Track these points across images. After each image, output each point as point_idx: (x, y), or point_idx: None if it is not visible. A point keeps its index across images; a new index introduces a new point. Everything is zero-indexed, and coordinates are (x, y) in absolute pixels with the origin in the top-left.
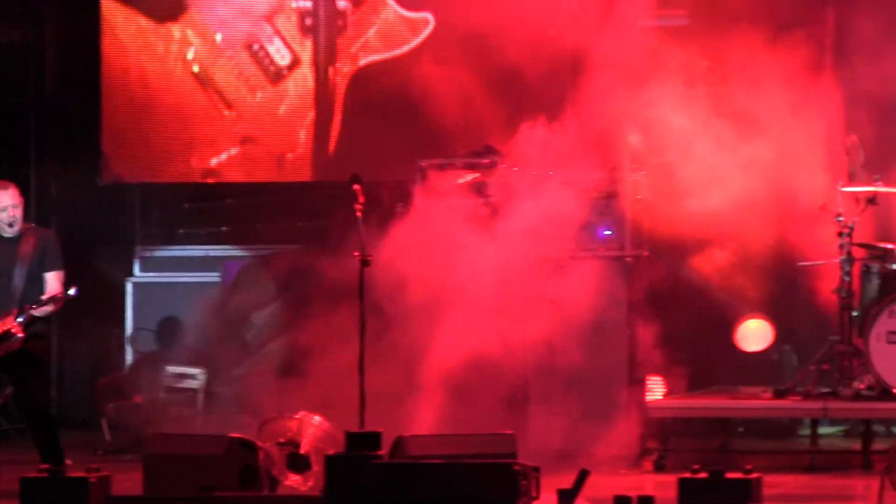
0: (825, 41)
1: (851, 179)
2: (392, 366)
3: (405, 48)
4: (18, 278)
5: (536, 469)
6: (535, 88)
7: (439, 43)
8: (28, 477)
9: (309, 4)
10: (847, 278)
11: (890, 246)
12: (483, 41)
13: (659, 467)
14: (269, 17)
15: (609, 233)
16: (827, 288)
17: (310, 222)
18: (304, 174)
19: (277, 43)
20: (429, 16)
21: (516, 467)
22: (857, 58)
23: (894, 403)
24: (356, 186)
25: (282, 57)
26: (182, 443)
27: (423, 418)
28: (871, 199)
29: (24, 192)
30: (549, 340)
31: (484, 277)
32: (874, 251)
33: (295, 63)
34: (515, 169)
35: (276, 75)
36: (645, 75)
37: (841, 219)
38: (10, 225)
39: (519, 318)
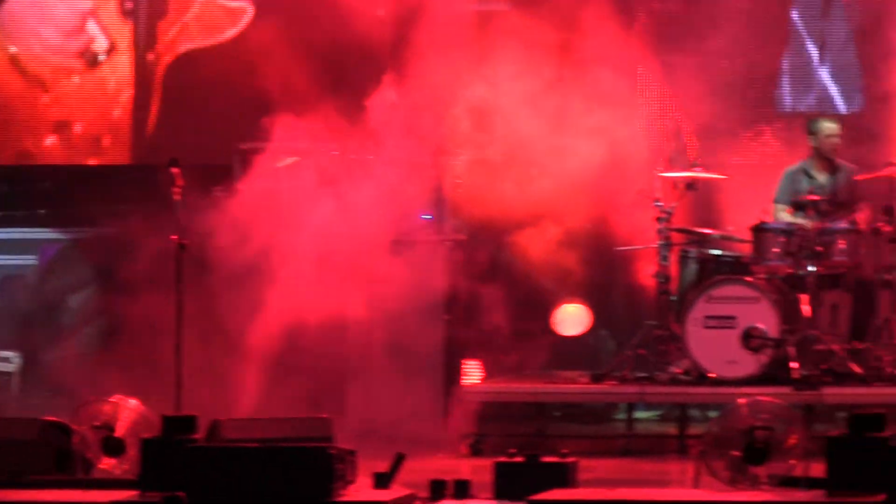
0: (646, 27)
1: (670, 164)
2: (214, 348)
3: (223, 36)
4: None
5: (353, 453)
6: (356, 71)
7: (260, 27)
8: None
9: None
10: (665, 263)
11: (708, 231)
12: (304, 25)
13: (475, 451)
14: (88, 3)
15: (428, 216)
16: (645, 273)
17: (127, 205)
18: (122, 157)
19: (95, 28)
20: (247, 5)
21: (332, 451)
22: (678, 43)
23: (710, 388)
24: (174, 170)
25: (99, 42)
26: None
27: (244, 401)
28: (690, 185)
29: None
30: (368, 325)
31: (305, 260)
32: (692, 236)
33: (112, 48)
34: (335, 153)
35: (93, 60)
36: (468, 58)
37: (659, 204)
38: None
39: (339, 302)
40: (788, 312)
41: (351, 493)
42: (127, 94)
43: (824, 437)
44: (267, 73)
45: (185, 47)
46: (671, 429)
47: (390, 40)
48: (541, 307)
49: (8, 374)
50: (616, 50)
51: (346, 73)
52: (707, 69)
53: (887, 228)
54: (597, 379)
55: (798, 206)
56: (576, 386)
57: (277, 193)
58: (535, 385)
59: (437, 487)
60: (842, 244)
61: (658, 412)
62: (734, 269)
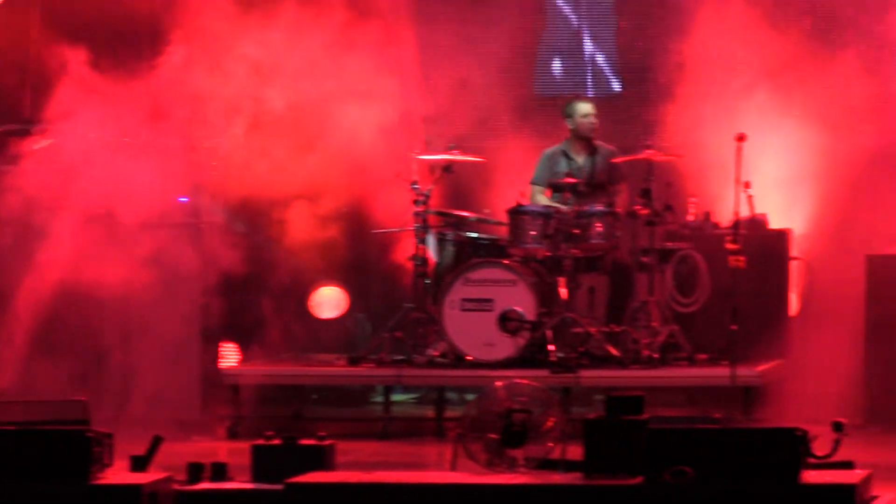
0: (408, 8)
1: (427, 147)
2: None
3: None
4: None
5: (109, 436)
6: (109, 50)
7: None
8: None
9: None
10: (422, 246)
11: (465, 214)
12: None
13: (232, 434)
14: None
15: (184, 199)
16: (402, 255)
17: None
18: None
19: None
20: None
21: (89, 434)
22: (437, 25)
23: (467, 371)
24: None
25: None
26: None
27: (4, 382)
28: (447, 168)
29: None
30: (126, 308)
31: (63, 242)
32: (449, 219)
33: None
34: (91, 134)
35: None
36: (218, 40)
37: (416, 186)
38: None
39: (98, 285)
40: (546, 295)
41: (108, 476)
42: None
43: (581, 419)
44: (26, 50)
45: None
46: (429, 411)
47: (160, 12)
48: (298, 290)
49: None
50: (377, 30)
51: (116, 47)
52: (465, 51)
53: (644, 211)
54: (354, 362)
55: (556, 189)
56: (333, 368)
57: (35, 174)
58: (292, 368)
59: (195, 470)
60: (599, 227)
61: (415, 395)
62: (491, 251)
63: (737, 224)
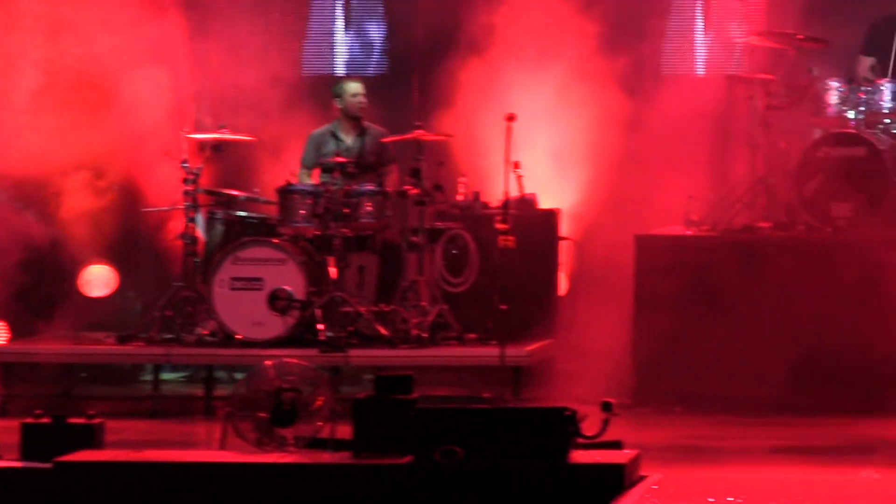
0: None
1: (197, 126)
2: None
3: None
4: None
5: None
6: None
7: None
8: None
9: None
10: (192, 224)
11: (234, 193)
12: None
13: (1, 412)
14: None
15: None
16: (172, 234)
17: None
18: None
19: None
20: None
21: None
22: (209, 4)
23: (237, 350)
24: None
25: None
26: None
27: None
28: (217, 147)
29: None
30: None
31: None
32: (219, 198)
33: None
34: None
35: None
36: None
37: (186, 165)
38: None
39: None
40: (315, 274)
41: None
42: None
43: (351, 399)
44: None
45: None
46: (198, 390)
47: None
48: (69, 267)
49: None
50: (147, 6)
51: None
52: (233, 31)
53: (414, 191)
54: (123, 340)
55: (325, 169)
56: (102, 347)
57: None
58: (61, 346)
59: None
60: (368, 206)
61: (185, 373)
62: (261, 230)
63: (506, 204)
